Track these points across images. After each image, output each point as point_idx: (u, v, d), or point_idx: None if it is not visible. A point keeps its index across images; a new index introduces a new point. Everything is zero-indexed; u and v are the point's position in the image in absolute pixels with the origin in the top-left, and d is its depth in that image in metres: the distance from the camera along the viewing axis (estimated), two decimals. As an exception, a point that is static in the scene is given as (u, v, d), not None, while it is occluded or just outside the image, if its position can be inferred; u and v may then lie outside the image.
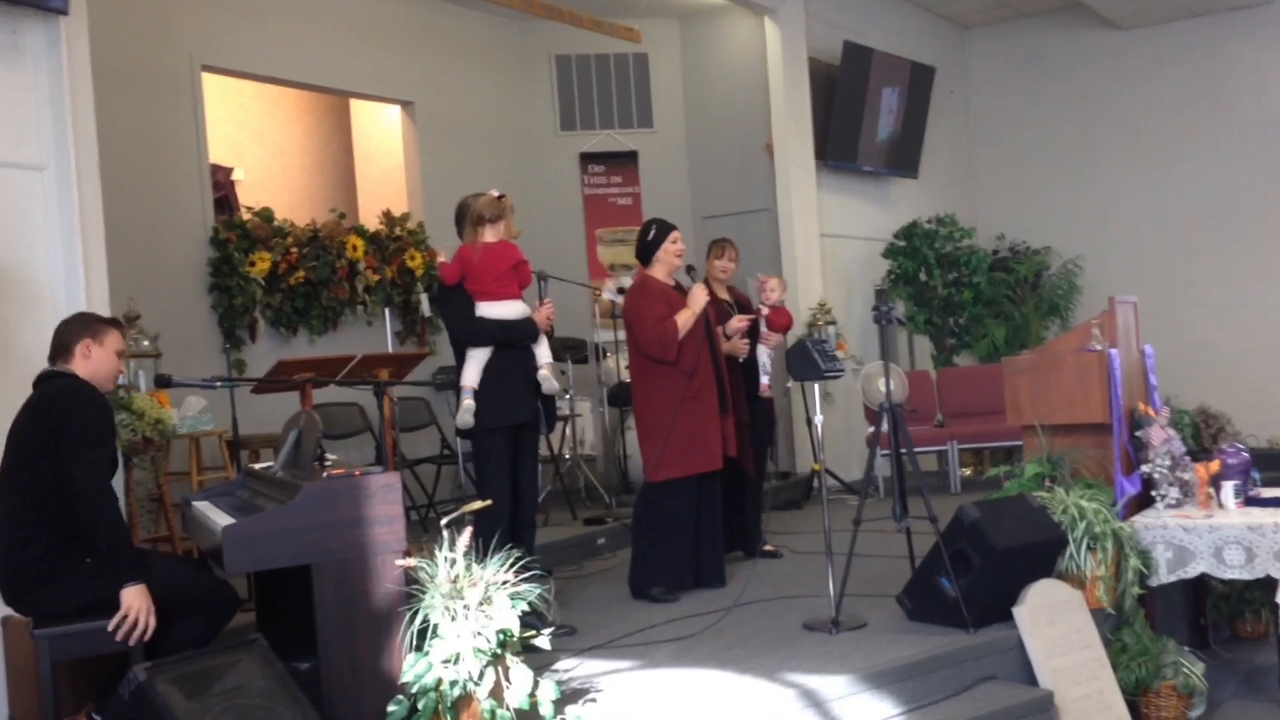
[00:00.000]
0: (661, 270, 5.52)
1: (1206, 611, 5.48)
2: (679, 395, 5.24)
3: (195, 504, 4.45)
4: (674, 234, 5.51)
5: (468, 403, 4.86)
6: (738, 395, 5.97)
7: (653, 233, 5.52)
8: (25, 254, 4.75)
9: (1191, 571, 4.81)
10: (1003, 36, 11.37)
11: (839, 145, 9.55)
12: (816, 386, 5.53)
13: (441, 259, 4.99)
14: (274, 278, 7.51)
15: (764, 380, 6.31)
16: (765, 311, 6.40)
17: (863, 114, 9.67)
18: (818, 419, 5.18)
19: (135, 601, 3.66)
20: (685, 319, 5.32)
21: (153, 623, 3.69)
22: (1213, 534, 4.76)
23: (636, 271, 5.61)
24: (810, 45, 9.33)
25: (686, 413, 5.26)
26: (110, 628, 3.64)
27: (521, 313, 5.00)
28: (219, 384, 4.64)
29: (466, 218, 5.00)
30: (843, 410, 9.21)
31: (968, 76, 11.52)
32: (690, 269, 5.57)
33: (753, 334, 6.20)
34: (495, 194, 5.01)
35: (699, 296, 5.37)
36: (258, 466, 4.78)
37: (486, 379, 4.90)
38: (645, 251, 5.53)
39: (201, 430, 6.07)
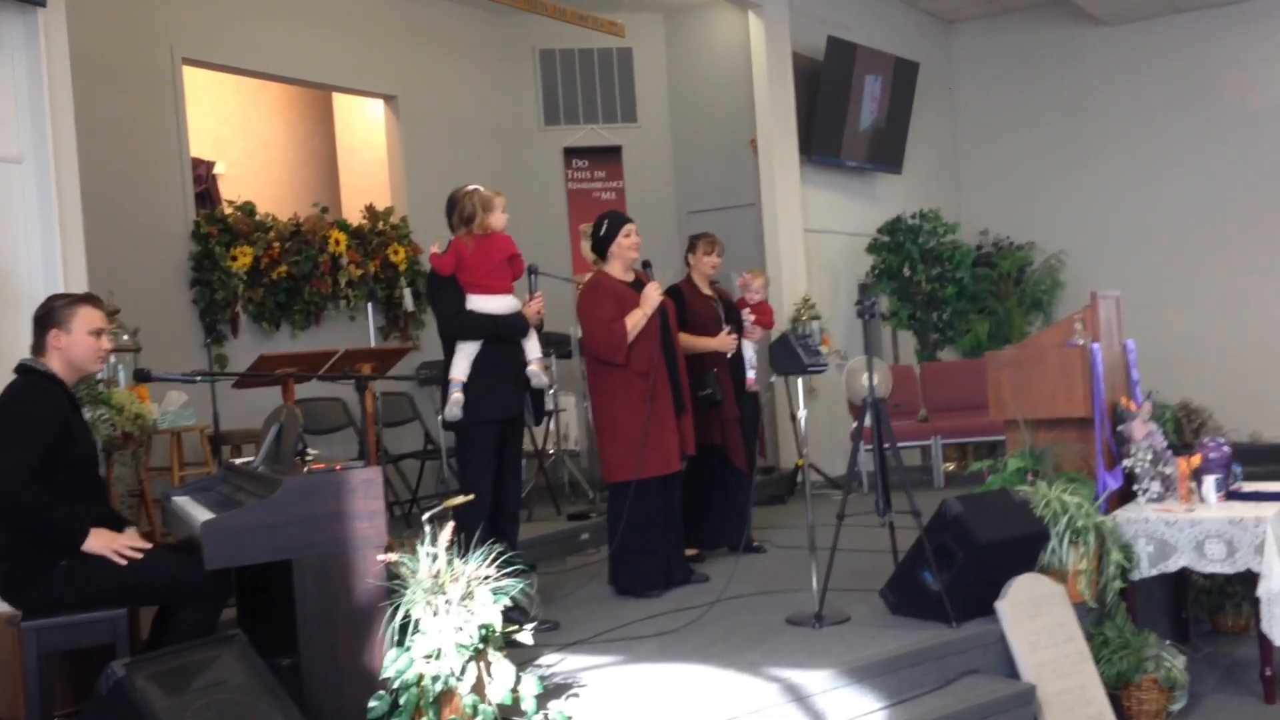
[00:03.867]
0: (617, 266, 5.42)
1: (1188, 605, 5.50)
2: (643, 396, 5.17)
3: (176, 499, 4.42)
4: (628, 227, 5.40)
5: (456, 395, 4.82)
6: (727, 389, 5.97)
7: (605, 227, 5.42)
8: (4, 247, 4.72)
9: (1173, 565, 4.83)
10: (987, 32, 11.39)
11: (823, 140, 9.56)
12: (800, 381, 5.53)
13: (435, 249, 4.94)
14: (256, 272, 7.48)
15: (750, 375, 6.30)
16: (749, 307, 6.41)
17: (847, 109, 9.68)
18: (801, 414, 5.19)
19: (100, 545, 3.72)
20: (636, 320, 5.23)
21: (132, 541, 3.77)
22: (1194, 528, 4.78)
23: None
24: (794, 40, 9.33)
25: (642, 414, 5.19)
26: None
27: (512, 307, 4.95)
28: (200, 379, 4.61)
29: (456, 210, 4.96)
30: (827, 405, 9.22)
31: (952, 72, 11.54)
32: (646, 264, 5.45)
33: (736, 328, 6.18)
34: (469, 189, 4.96)
35: (652, 296, 5.27)
36: (239, 461, 4.75)
37: (476, 373, 4.86)
38: (599, 246, 5.44)
39: (183, 425, 6.04)
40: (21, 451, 3.68)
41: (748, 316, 6.39)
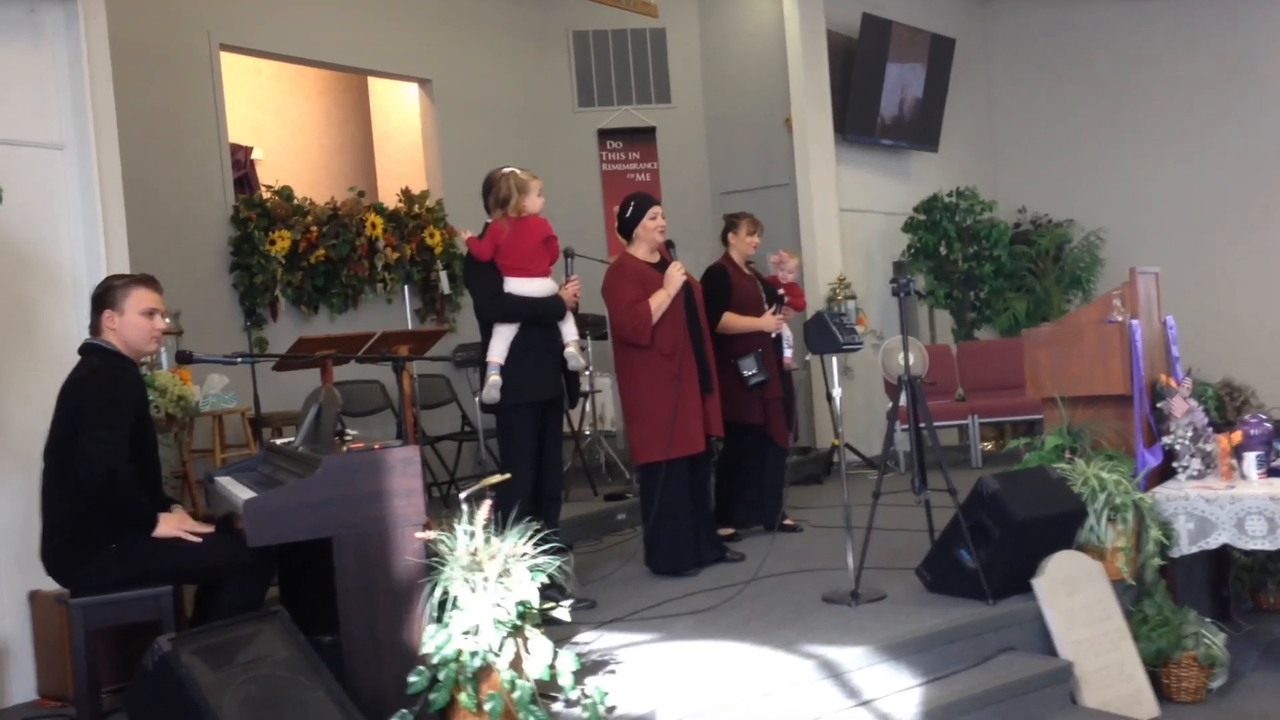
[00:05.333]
0: (642, 248, 5.40)
1: (1228, 583, 5.45)
2: (669, 378, 5.17)
3: (218, 479, 4.48)
4: (654, 209, 5.37)
5: (494, 379, 4.85)
6: (771, 368, 5.96)
7: (631, 208, 5.39)
8: (46, 233, 4.79)
9: (1213, 542, 4.79)
10: (1023, 7, 11.26)
11: (858, 119, 9.51)
12: (835, 360, 5.51)
13: (469, 235, 4.97)
14: (294, 256, 7.54)
15: (787, 354, 6.28)
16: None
17: (882, 87, 9.61)
18: (837, 393, 5.16)
19: (169, 529, 3.81)
20: (660, 301, 5.22)
21: (198, 527, 3.86)
22: (1234, 505, 4.73)
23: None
24: (829, 18, 9.28)
25: (668, 395, 5.19)
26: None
27: (549, 290, 4.97)
28: (240, 360, 4.65)
29: (492, 193, 4.98)
30: (863, 385, 9.20)
31: (988, 48, 11.42)
32: (670, 244, 5.43)
33: (778, 307, 6.16)
34: (505, 171, 4.98)
35: (675, 277, 5.25)
36: (279, 442, 4.81)
37: (513, 355, 4.88)
38: (625, 228, 5.42)
39: (224, 408, 6.12)
40: (121, 432, 3.77)
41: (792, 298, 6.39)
